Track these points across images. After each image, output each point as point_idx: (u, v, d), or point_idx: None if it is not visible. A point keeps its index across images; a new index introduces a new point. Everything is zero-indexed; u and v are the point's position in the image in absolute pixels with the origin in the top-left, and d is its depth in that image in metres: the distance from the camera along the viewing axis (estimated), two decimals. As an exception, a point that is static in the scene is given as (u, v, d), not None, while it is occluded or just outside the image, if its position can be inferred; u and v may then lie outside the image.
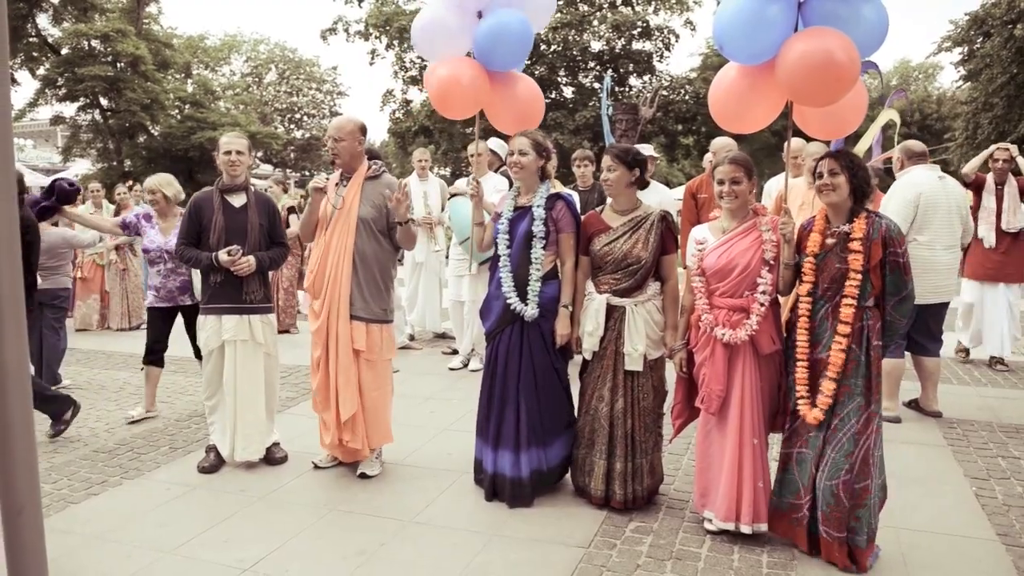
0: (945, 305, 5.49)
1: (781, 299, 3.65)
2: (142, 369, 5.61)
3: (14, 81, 25.59)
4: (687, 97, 25.80)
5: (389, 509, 3.96)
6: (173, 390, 6.48)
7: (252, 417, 4.52)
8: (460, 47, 4.21)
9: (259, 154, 35.53)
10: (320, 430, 4.47)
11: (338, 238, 4.24)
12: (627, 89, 25.81)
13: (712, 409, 3.52)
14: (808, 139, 5.14)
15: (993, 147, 6.84)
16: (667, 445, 4.21)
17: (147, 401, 5.63)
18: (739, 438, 3.46)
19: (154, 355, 5.51)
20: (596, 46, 25.93)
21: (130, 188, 10.08)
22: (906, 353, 5.47)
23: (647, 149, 6.73)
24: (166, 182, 5.54)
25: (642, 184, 3.94)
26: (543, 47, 24.38)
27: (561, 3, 24.34)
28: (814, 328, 3.34)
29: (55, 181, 5.52)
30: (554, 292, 4.00)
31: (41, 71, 28.07)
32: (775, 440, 3.76)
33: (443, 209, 7.71)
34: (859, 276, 3.22)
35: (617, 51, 25.46)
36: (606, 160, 3.86)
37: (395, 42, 25.40)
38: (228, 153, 4.48)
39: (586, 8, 25.31)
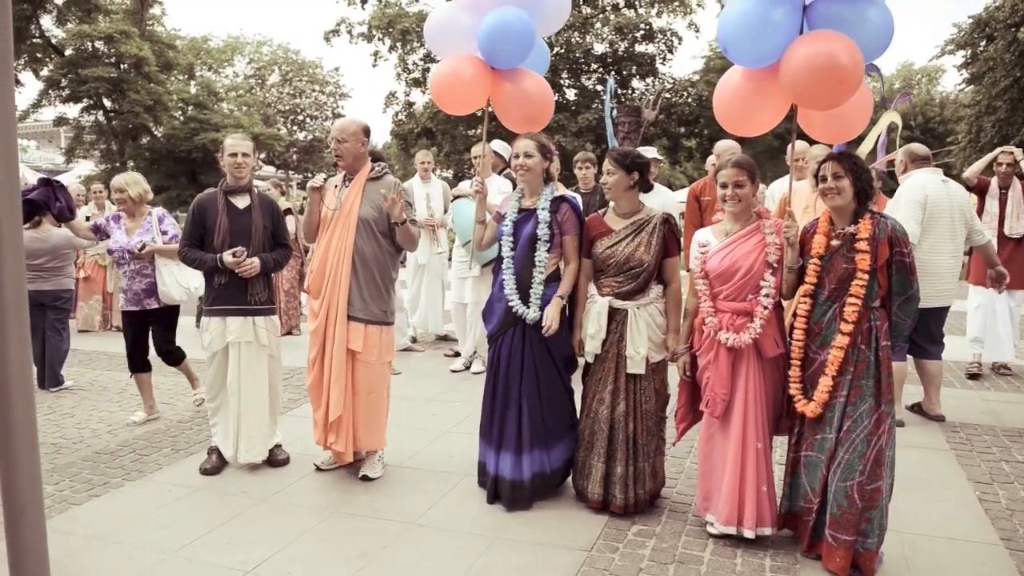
0: (946, 309, 5.48)
1: (784, 303, 3.64)
2: (131, 377, 5.62)
3: (18, 82, 25.64)
4: (690, 100, 25.79)
5: (391, 512, 3.96)
6: (175, 391, 6.48)
7: (256, 419, 4.52)
8: (472, 47, 4.21)
9: (262, 156, 35.56)
10: (314, 428, 4.48)
11: (338, 238, 4.24)
12: (630, 92, 25.80)
13: (716, 413, 3.51)
14: (812, 142, 5.13)
15: (997, 151, 6.78)
16: (670, 448, 4.20)
17: (145, 406, 5.64)
18: (742, 442, 3.45)
19: (135, 362, 5.51)
20: (599, 48, 25.93)
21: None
22: (908, 356, 5.46)
23: (650, 152, 6.74)
24: (133, 181, 5.56)
25: (645, 187, 3.94)
26: (549, 55, 24.36)
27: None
28: (821, 329, 3.33)
29: (54, 186, 5.51)
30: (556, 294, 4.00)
31: (45, 72, 28.12)
32: (779, 443, 3.76)
33: (446, 211, 7.71)
34: (866, 276, 3.22)
35: (620, 53, 25.46)
36: (605, 164, 3.86)
37: (398, 44, 25.40)
38: (234, 155, 4.48)
39: (589, 10, 25.29)
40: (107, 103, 28.40)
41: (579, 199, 4.48)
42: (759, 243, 3.47)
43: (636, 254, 3.76)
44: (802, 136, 3.89)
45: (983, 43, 22.77)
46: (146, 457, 4.82)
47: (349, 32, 25.97)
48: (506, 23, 3.97)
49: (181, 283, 5.39)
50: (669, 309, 3.85)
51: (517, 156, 4.04)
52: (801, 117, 3.63)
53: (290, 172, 41.27)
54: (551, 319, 3.89)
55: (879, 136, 7.11)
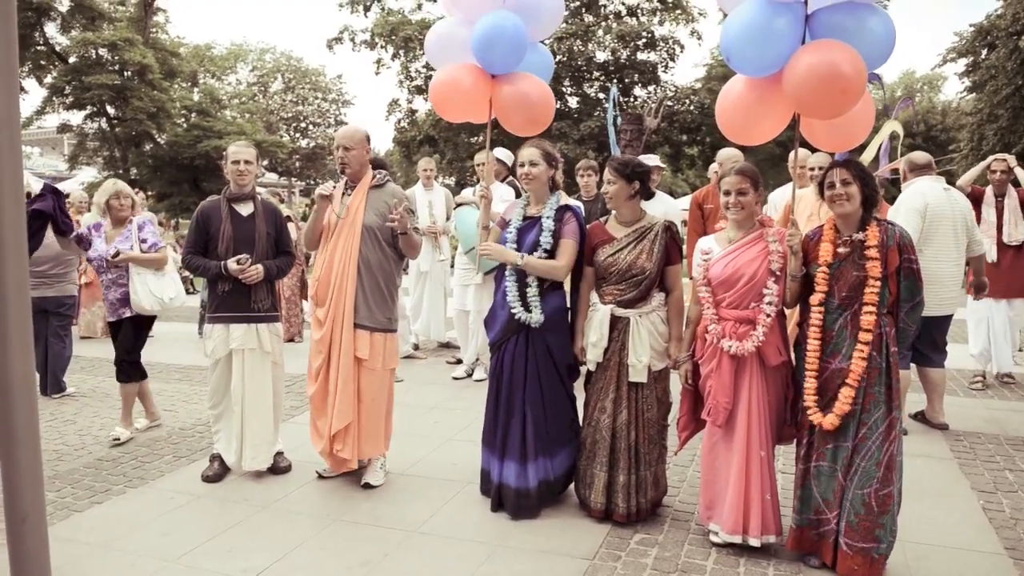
0: (949, 317, 5.47)
1: (787, 311, 3.64)
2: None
3: (22, 89, 25.74)
4: (692, 107, 25.82)
5: (393, 519, 3.95)
6: (177, 398, 6.48)
7: (260, 426, 4.52)
8: (471, 59, 4.24)
9: (264, 163, 35.62)
10: (312, 436, 4.46)
11: (343, 246, 4.24)
12: (632, 99, 25.84)
13: (719, 421, 3.50)
14: (814, 150, 5.14)
15: (990, 158, 6.70)
16: (672, 457, 4.19)
17: (147, 414, 5.62)
18: (746, 450, 3.44)
19: (121, 372, 5.37)
20: (601, 57, 25.98)
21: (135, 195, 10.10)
22: (911, 365, 5.45)
23: (652, 159, 6.73)
24: (129, 190, 5.53)
25: (647, 194, 3.94)
26: (553, 64, 24.42)
27: (566, 14, 24.40)
28: (831, 338, 3.32)
29: (60, 197, 5.51)
30: (559, 303, 4.00)
31: (48, 79, 28.24)
32: (781, 452, 3.74)
33: (448, 218, 7.72)
34: (878, 283, 3.22)
35: (622, 61, 25.50)
36: (606, 174, 3.86)
37: (400, 51, 25.47)
38: (236, 162, 4.49)
39: (591, 19, 25.36)
40: (110, 110, 28.50)
41: (581, 207, 4.49)
42: (762, 251, 3.46)
43: (638, 262, 3.76)
44: (804, 144, 3.89)
45: (984, 51, 22.81)
46: (148, 464, 4.82)
47: (352, 40, 26.07)
48: (497, 27, 4.00)
49: (154, 293, 5.25)
50: (671, 317, 3.85)
51: (523, 164, 4.05)
52: (804, 125, 3.64)
53: (293, 179, 41.38)
54: (494, 251, 3.95)
55: (881, 144, 7.09)
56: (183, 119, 31.55)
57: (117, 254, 5.14)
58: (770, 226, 3.55)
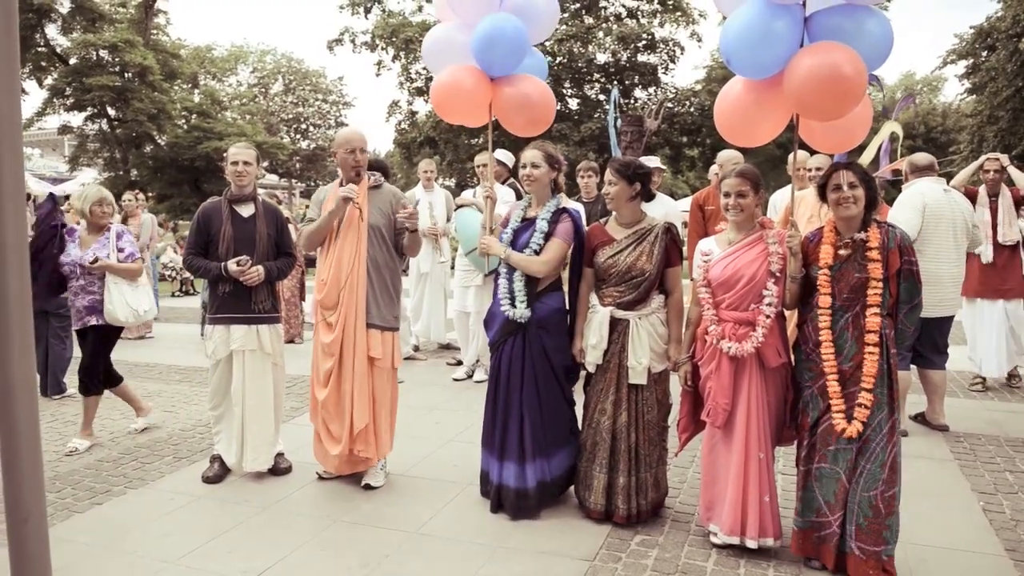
0: (950, 318, 5.47)
1: (787, 313, 3.64)
2: (88, 397, 5.27)
3: (22, 91, 25.75)
4: (692, 109, 25.82)
5: (393, 520, 3.95)
6: (178, 399, 6.49)
7: (261, 427, 4.52)
8: (469, 63, 4.26)
9: (265, 164, 35.64)
10: (320, 443, 4.42)
11: (350, 248, 4.25)
12: (632, 101, 25.83)
13: (718, 423, 3.51)
14: (814, 152, 5.14)
15: (983, 158, 6.60)
16: (672, 458, 4.19)
17: (137, 412, 5.51)
18: (745, 452, 3.44)
19: (83, 384, 5.23)
20: (601, 58, 25.97)
21: (136, 197, 10.11)
22: (912, 366, 5.45)
23: (652, 161, 6.73)
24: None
25: (648, 196, 3.94)
26: (548, 59, 24.43)
27: (566, 16, 24.42)
28: (833, 340, 3.32)
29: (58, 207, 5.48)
30: (556, 304, 4.00)
31: (49, 81, 28.23)
32: (781, 454, 3.74)
33: (448, 220, 7.73)
34: (880, 284, 3.22)
35: (623, 63, 25.50)
36: (607, 175, 3.87)
37: (401, 53, 25.46)
38: (236, 164, 4.50)
39: (592, 21, 25.36)
40: (111, 111, 28.50)
41: (582, 208, 4.50)
42: (762, 252, 3.47)
43: (638, 264, 3.76)
44: (804, 146, 3.90)
45: (985, 53, 22.83)
46: (148, 465, 4.82)
47: (352, 41, 26.06)
48: (498, 29, 4.02)
49: (130, 304, 5.16)
50: (671, 319, 3.85)
51: (524, 166, 4.06)
52: (802, 127, 3.64)
53: (293, 181, 41.37)
54: (488, 241, 4.05)
55: (881, 145, 7.09)
56: (184, 120, 31.54)
57: (96, 260, 5.04)
58: (770, 228, 3.55)
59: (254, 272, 4.42)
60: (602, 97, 25.23)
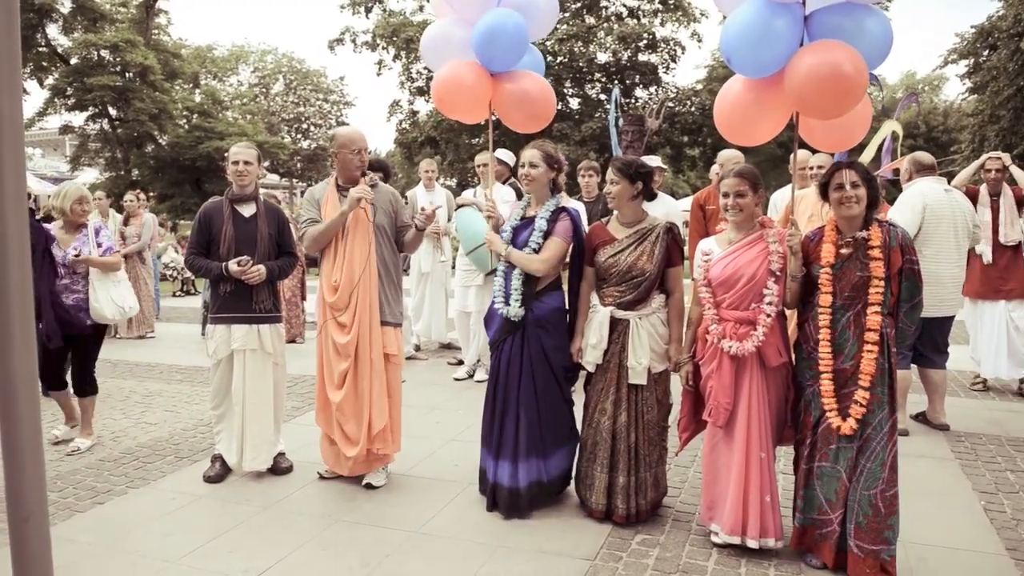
0: (951, 318, 5.47)
1: (787, 312, 3.64)
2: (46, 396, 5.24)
3: (24, 90, 25.74)
4: (693, 109, 25.80)
5: (394, 520, 3.95)
6: (179, 399, 6.49)
7: (261, 426, 4.53)
8: (467, 59, 4.28)
9: (266, 164, 35.64)
10: (331, 445, 4.39)
11: (360, 247, 4.25)
12: (633, 101, 25.83)
13: (719, 422, 3.51)
14: (815, 151, 5.14)
15: (984, 156, 6.51)
16: (673, 458, 4.19)
17: (80, 427, 5.33)
18: (746, 451, 3.44)
19: (77, 385, 5.21)
20: (602, 58, 25.97)
21: (137, 197, 10.11)
22: (912, 366, 5.45)
23: (654, 160, 6.73)
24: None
25: (650, 195, 3.94)
26: (549, 59, 24.46)
27: (567, 15, 24.41)
28: (834, 338, 3.32)
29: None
30: (556, 303, 4.00)
31: (50, 80, 28.24)
32: (782, 453, 3.73)
33: (449, 219, 7.73)
34: (882, 283, 3.23)
35: (623, 63, 25.49)
36: (609, 174, 3.86)
37: (402, 53, 25.47)
38: (236, 163, 4.50)
39: (592, 20, 25.36)
40: (112, 111, 28.50)
41: (582, 208, 4.50)
42: (762, 251, 3.47)
43: (638, 263, 3.76)
44: (804, 145, 3.90)
45: (986, 52, 22.81)
46: (149, 465, 4.82)
47: (353, 41, 26.07)
48: (499, 24, 4.03)
49: (115, 301, 5.17)
50: (672, 319, 3.84)
51: (523, 166, 4.06)
52: (802, 126, 3.64)
53: (294, 180, 41.36)
54: (492, 237, 4.07)
55: (883, 143, 7.07)
56: (185, 120, 31.54)
57: (79, 255, 5.03)
58: (770, 227, 3.55)
59: (255, 272, 4.43)
60: (603, 96, 25.23)
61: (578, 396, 4.11)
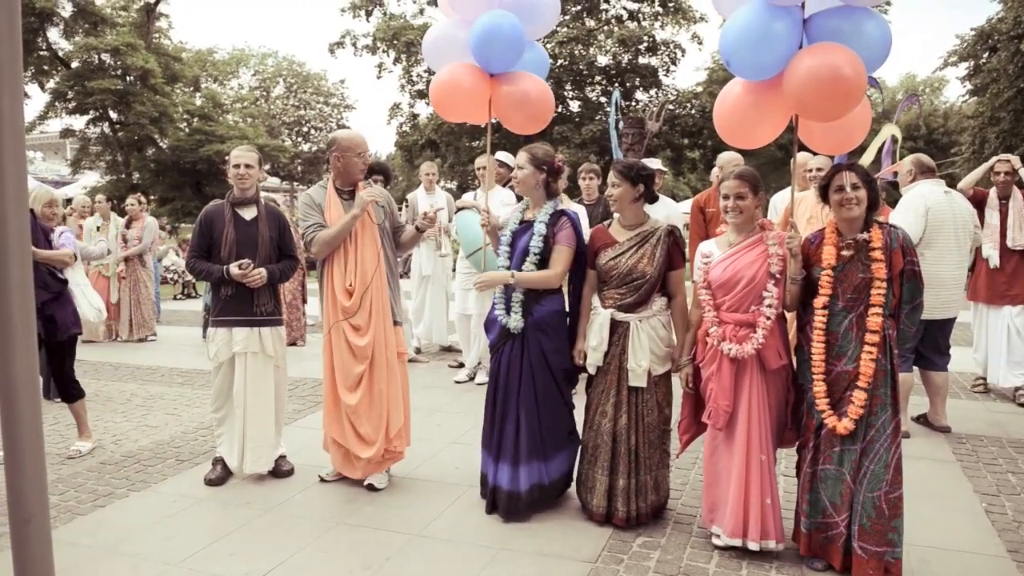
0: (952, 320, 5.47)
1: (788, 314, 3.64)
2: None
3: (25, 94, 25.75)
4: (693, 111, 25.83)
5: (395, 522, 3.95)
6: (180, 402, 6.49)
7: (262, 429, 4.53)
8: (469, 59, 4.29)
9: (267, 167, 35.66)
10: (339, 447, 4.37)
11: (371, 249, 4.28)
12: (633, 103, 25.85)
13: (719, 424, 3.51)
14: (814, 154, 5.14)
15: (993, 159, 6.38)
16: (674, 460, 4.19)
17: (78, 430, 5.29)
18: (746, 454, 3.44)
19: (65, 391, 5.21)
20: (602, 60, 26.01)
21: (138, 201, 10.12)
22: (914, 368, 5.44)
23: (654, 163, 6.74)
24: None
25: (651, 198, 3.93)
26: (549, 62, 24.41)
27: (567, 18, 24.44)
28: (836, 340, 3.32)
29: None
30: (555, 307, 3.99)
31: (51, 84, 28.27)
32: (783, 455, 3.73)
33: (450, 220, 7.74)
34: (884, 284, 3.23)
35: (624, 65, 25.52)
36: (610, 176, 3.86)
37: (402, 56, 25.51)
38: (237, 166, 4.51)
39: (592, 23, 25.39)
40: (113, 115, 28.52)
41: (581, 211, 4.50)
42: (761, 254, 3.47)
43: (639, 266, 3.76)
44: (804, 147, 3.90)
45: (986, 54, 22.81)
46: (150, 468, 4.82)
47: (354, 44, 26.10)
48: (494, 26, 4.04)
49: (93, 304, 5.31)
50: (674, 322, 3.84)
51: (512, 168, 4.09)
52: (801, 129, 3.65)
53: (295, 183, 41.38)
54: (483, 281, 4.01)
55: (883, 145, 7.05)
56: (185, 123, 31.56)
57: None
58: (770, 229, 3.55)
59: (256, 275, 4.43)
60: (603, 99, 25.26)
61: (579, 399, 4.11)
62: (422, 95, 25.93)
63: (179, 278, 15.47)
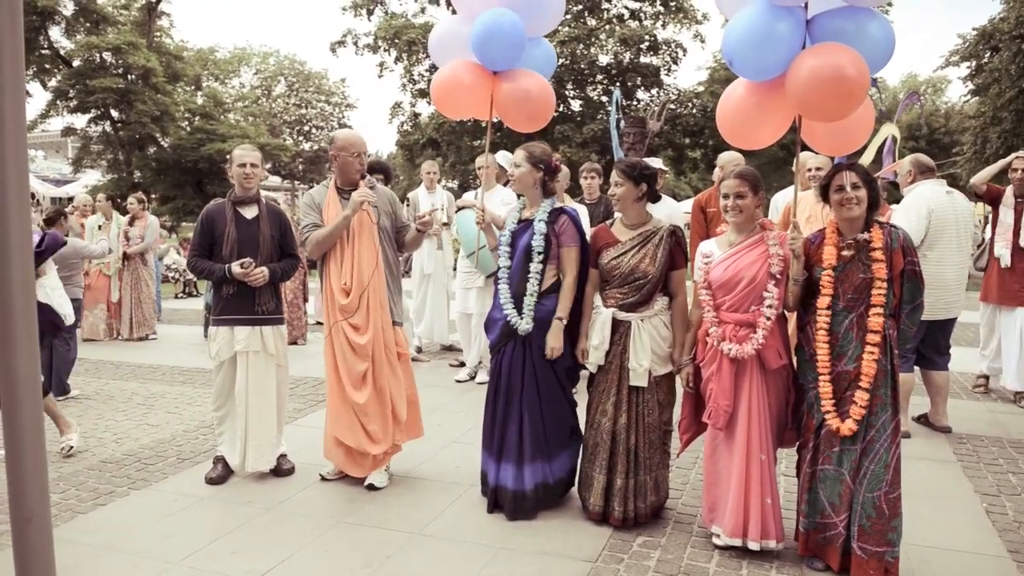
0: (953, 321, 5.46)
1: (788, 314, 3.64)
2: None
3: (27, 93, 25.76)
4: (694, 111, 25.82)
5: (396, 521, 3.95)
6: (181, 400, 6.50)
7: (264, 428, 4.53)
8: (473, 56, 4.30)
9: (268, 166, 35.66)
10: (339, 445, 4.37)
11: (368, 249, 4.28)
12: (635, 103, 25.84)
13: (719, 424, 3.51)
14: (816, 154, 5.13)
15: (1012, 156, 6.22)
16: (674, 460, 4.19)
17: (57, 425, 5.13)
18: (746, 454, 3.44)
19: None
20: (604, 60, 26.00)
21: (139, 200, 10.11)
22: (915, 368, 5.44)
23: (655, 163, 6.73)
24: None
25: (654, 197, 3.93)
26: (555, 58, 24.37)
27: (568, 17, 24.43)
28: (837, 341, 3.32)
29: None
30: (556, 306, 3.99)
31: (53, 83, 28.30)
32: (783, 455, 3.72)
33: (448, 221, 7.75)
34: (884, 284, 3.23)
35: (625, 65, 25.52)
36: (613, 176, 3.86)
37: (404, 55, 25.51)
38: (243, 165, 4.51)
39: (594, 22, 25.38)
40: (114, 113, 28.55)
41: (583, 210, 4.49)
42: (762, 254, 3.47)
43: (641, 265, 3.76)
44: (806, 148, 3.89)
45: (988, 54, 22.77)
46: (151, 466, 4.83)
47: (355, 43, 26.11)
48: (495, 24, 4.04)
49: (66, 297, 5.51)
50: (675, 322, 3.84)
51: (510, 167, 4.09)
52: (804, 130, 3.64)
53: (296, 182, 41.40)
54: (552, 348, 3.90)
55: (885, 143, 7.04)
56: (187, 122, 31.59)
57: None
58: (771, 229, 3.55)
59: (258, 274, 4.43)
60: (605, 99, 25.25)
61: (581, 397, 4.11)
62: (423, 94, 25.92)
63: (180, 277, 15.48)
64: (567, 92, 25.49)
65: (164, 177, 30.00)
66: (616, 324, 3.80)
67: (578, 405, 4.13)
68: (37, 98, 32.19)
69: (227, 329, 4.50)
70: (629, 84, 25.53)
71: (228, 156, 4.67)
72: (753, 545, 3.43)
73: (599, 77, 25.96)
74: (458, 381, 7.09)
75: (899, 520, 3.22)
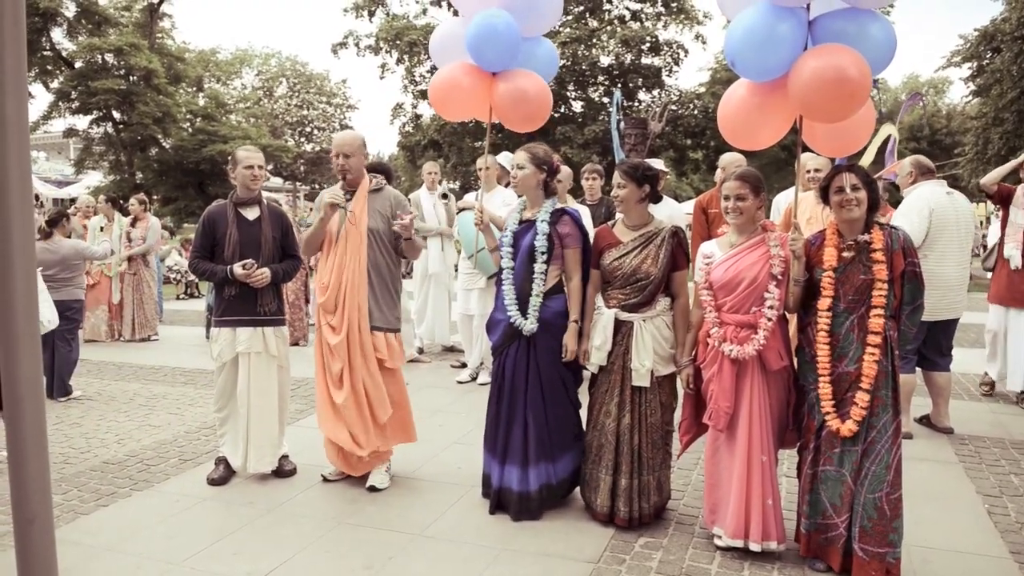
0: (955, 321, 5.46)
1: (789, 315, 3.64)
2: None
3: (29, 94, 25.80)
4: (696, 112, 25.79)
5: (398, 522, 3.95)
6: (183, 401, 6.50)
7: (266, 428, 4.53)
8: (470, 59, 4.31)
9: (269, 167, 35.68)
10: (332, 446, 4.41)
11: (351, 252, 4.26)
12: (636, 104, 25.83)
13: (720, 426, 3.51)
14: (816, 155, 5.12)
15: (1022, 156, 6.13)
16: (676, 460, 4.19)
17: None
18: (747, 455, 3.44)
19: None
20: (605, 61, 25.97)
21: (141, 201, 10.12)
22: (917, 369, 5.44)
23: (657, 163, 6.74)
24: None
25: (655, 198, 3.94)
26: (558, 57, 24.33)
27: (569, 19, 24.43)
28: (838, 341, 3.32)
29: None
30: (559, 307, 3.99)
31: (55, 84, 28.37)
32: (784, 456, 3.72)
33: (451, 224, 7.74)
34: (885, 286, 3.22)
35: (626, 66, 25.49)
36: (616, 177, 3.86)
37: (405, 56, 25.51)
38: (250, 167, 4.51)
39: (595, 23, 25.37)
40: (116, 115, 28.60)
41: (584, 211, 4.49)
42: (763, 255, 3.46)
43: (643, 266, 3.76)
44: (808, 149, 3.89)
45: (989, 55, 22.74)
46: (153, 467, 4.83)
47: (357, 44, 26.10)
48: (488, 26, 4.04)
49: (50, 301, 5.50)
50: (676, 323, 3.84)
51: (511, 168, 4.08)
52: (805, 131, 3.63)
53: (297, 183, 41.43)
54: (572, 350, 3.91)
55: (886, 146, 7.03)
56: (188, 123, 31.65)
57: None
58: (772, 230, 3.55)
59: (260, 275, 4.44)
60: (606, 100, 25.23)
61: (583, 398, 4.11)
62: (425, 95, 25.91)
63: (182, 278, 15.49)
64: (568, 93, 25.47)
65: (166, 178, 30.05)
66: (618, 325, 3.80)
67: (581, 406, 4.13)
68: (39, 99, 32.32)
69: (229, 330, 4.51)
70: (630, 85, 25.52)
71: (230, 157, 4.67)
72: (754, 546, 3.43)
73: (600, 78, 25.94)
74: (459, 382, 7.09)
75: (900, 521, 3.22)
